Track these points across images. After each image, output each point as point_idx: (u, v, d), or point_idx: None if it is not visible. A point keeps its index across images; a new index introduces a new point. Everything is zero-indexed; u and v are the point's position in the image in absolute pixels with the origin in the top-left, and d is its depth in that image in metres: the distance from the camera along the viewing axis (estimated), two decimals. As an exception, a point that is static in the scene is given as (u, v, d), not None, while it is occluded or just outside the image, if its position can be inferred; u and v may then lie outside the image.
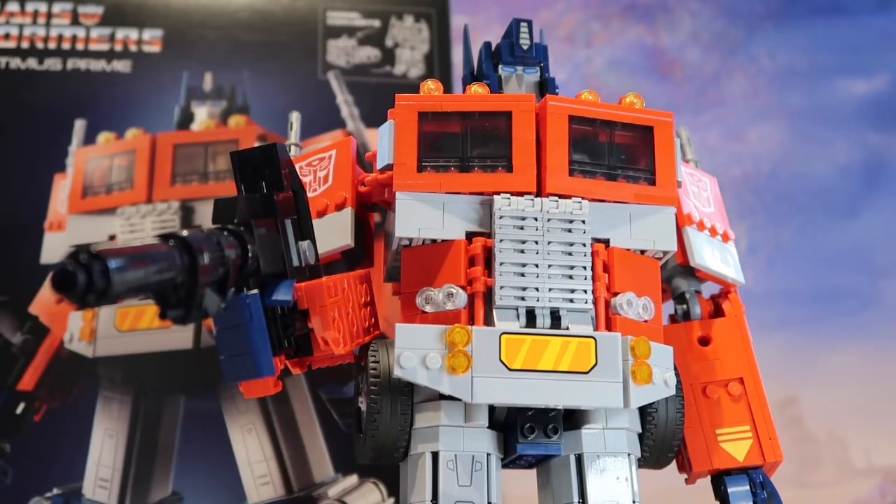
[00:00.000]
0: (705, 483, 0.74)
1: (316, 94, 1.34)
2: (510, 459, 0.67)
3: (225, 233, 0.53)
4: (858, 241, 1.55)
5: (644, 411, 0.68)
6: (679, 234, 0.73)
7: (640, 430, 0.68)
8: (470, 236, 0.66)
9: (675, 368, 0.67)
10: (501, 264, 0.64)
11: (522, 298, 0.64)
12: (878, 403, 1.39)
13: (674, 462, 0.72)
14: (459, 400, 0.62)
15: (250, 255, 0.55)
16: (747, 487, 0.71)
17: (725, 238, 0.79)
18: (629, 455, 0.66)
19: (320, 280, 0.62)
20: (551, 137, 0.66)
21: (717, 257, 0.77)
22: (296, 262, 0.61)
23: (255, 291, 0.56)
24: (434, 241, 0.66)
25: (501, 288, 0.63)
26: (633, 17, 1.65)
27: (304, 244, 0.62)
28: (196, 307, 0.47)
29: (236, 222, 0.56)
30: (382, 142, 0.68)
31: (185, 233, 0.47)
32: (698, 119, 1.59)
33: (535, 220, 0.65)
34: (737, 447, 0.73)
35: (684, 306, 0.78)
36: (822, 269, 1.54)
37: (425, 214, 0.65)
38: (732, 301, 0.78)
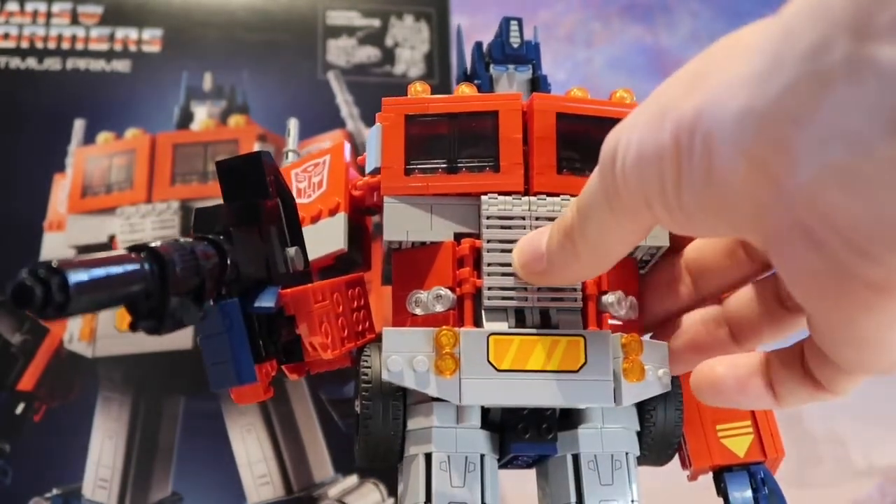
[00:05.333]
0: (707, 481, 0.74)
1: (316, 94, 1.34)
2: (507, 459, 0.67)
3: (204, 242, 0.53)
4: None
5: (642, 409, 0.67)
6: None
7: (639, 428, 0.67)
8: (459, 237, 0.65)
9: None
10: (489, 265, 0.63)
11: (511, 298, 0.63)
12: (878, 403, 1.38)
13: (676, 459, 0.71)
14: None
15: (229, 263, 0.54)
16: (748, 484, 0.70)
17: None
18: (627, 454, 0.66)
19: (306, 286, 0.61)
20: (539, 135, 0.65)
21: None
22: (282, 269, 0.60)
23: (234, 299, 0.56)
24: (423, 243, 0.65)
25: (489, 289, 0.63)
26: (633, 17, 1.64)
27: (292, 251, 0.61)
28: (168, 318, 0.46)
29: (216, 231, 0.55)
30: (371, 146, 0.67)
31: (155, 244, 0.46)
32: (699, 118, 1.58)
33: (523, 219, 0.64)
34: (737, 443, 0.72)
35: None
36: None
37: (413, 217, 0.65)
38: (731, 295, 0.77)
